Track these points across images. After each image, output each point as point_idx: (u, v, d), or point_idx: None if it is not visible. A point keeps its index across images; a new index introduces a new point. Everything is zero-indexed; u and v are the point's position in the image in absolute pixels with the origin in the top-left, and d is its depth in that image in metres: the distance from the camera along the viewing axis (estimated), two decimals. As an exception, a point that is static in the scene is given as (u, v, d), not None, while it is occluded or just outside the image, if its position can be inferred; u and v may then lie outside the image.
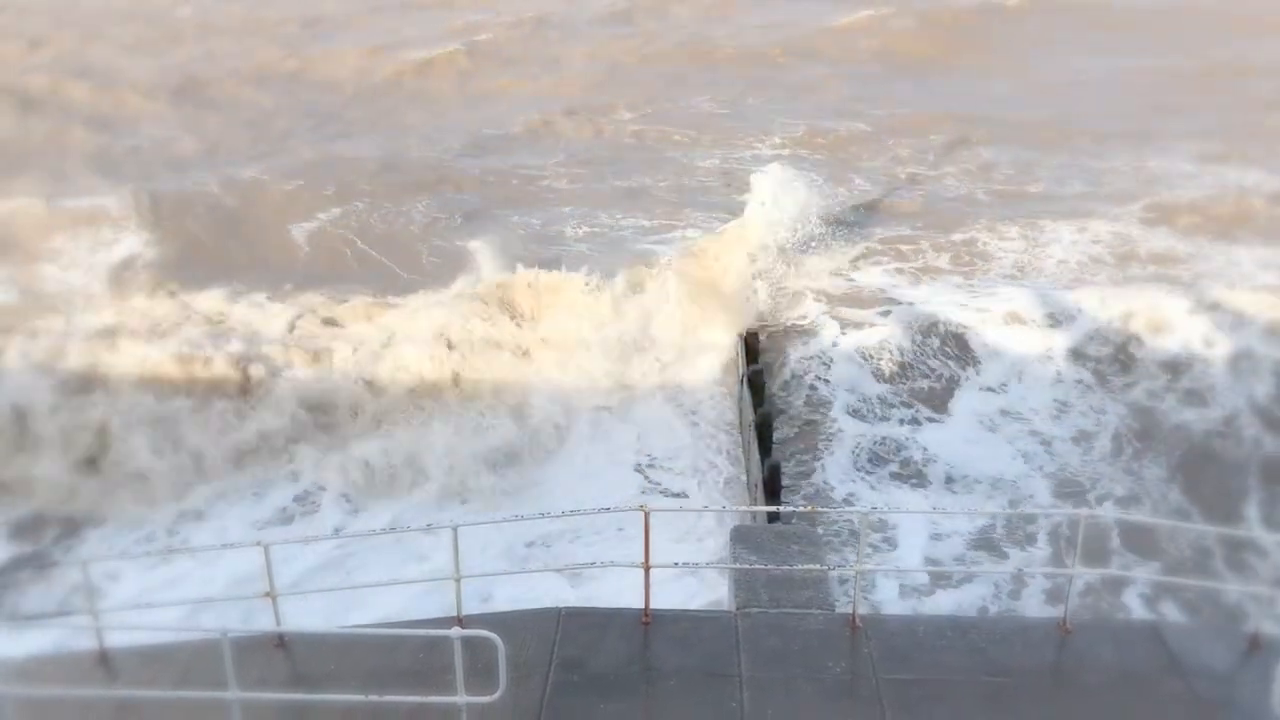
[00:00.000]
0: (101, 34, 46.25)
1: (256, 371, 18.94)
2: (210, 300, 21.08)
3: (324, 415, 18.44)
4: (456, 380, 19.22)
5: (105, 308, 20.75)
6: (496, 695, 7.47)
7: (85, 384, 18.49)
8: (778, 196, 24.71)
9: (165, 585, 14.12)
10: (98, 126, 33.53)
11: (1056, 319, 20.41)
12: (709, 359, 20.01)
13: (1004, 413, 18.48)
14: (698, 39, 45.32)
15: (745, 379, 18.11)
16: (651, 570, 9.49)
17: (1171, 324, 19.94)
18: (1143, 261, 23.16)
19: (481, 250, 22.81)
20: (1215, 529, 14.98)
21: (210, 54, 43.04)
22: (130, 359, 18.97)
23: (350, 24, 48.86)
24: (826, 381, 19.06)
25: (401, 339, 19.67)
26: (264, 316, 20.62)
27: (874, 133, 32.49)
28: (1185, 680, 8.95)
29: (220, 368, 18.95)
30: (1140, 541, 14.77)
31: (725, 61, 41.82)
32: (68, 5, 51.97)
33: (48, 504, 16.77)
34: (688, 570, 12.79)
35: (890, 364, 19.51)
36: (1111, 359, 19.52)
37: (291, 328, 20.34)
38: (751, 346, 19.11)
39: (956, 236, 24.63)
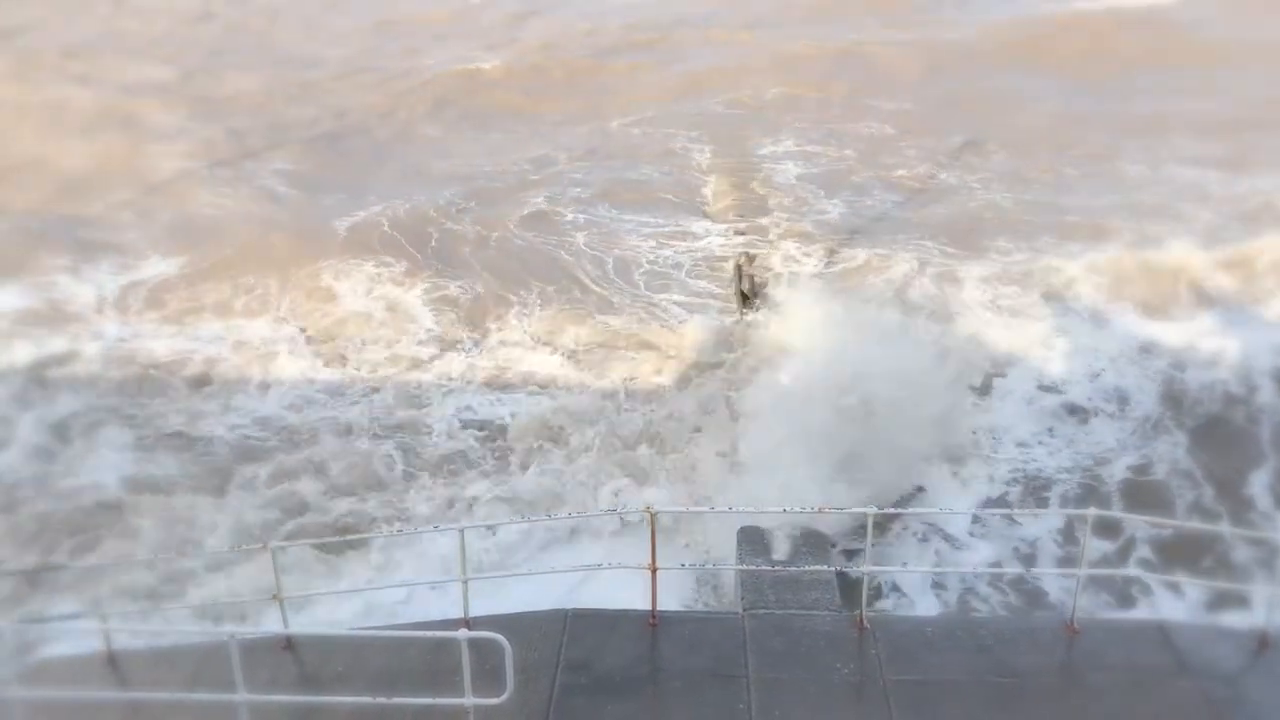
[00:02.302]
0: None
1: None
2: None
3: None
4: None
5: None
6: (504, 697, 7.49)
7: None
8: None
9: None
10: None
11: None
12: None
13: (1039, 386, 18.37)
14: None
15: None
16: (658, 572, 9.50)
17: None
18: None
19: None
20: (1228, 530, 14.89)
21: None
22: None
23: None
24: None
25: None
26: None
27: None
28: (1194, 680, 8.92)
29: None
30: (1147, 537, 14.74)
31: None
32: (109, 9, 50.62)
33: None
34: (694, 571, 12.80)
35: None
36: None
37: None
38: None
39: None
